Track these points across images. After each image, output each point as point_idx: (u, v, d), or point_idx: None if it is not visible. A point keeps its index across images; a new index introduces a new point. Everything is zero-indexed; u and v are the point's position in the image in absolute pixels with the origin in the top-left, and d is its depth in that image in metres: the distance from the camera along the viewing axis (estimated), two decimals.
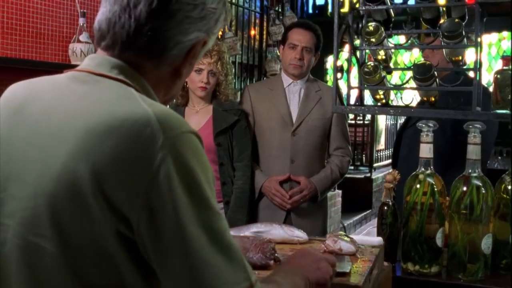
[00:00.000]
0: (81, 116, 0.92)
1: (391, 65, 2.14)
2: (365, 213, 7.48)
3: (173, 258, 0.88)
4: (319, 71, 8.37)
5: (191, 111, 2.88)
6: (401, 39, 2.17)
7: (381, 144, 8.48)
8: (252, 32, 5.09)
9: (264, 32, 5.12)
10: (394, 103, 2.28)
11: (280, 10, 5.20)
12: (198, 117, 2.85)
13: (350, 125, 8.17)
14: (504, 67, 1.90)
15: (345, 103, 2.05)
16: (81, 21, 2.90)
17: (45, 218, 0.91)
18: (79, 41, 2.83)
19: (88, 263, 0.91)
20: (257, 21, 5.16)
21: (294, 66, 2.97)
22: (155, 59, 1.01)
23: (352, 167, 8.04)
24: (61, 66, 2.86)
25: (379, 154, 8.31)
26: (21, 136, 0.97)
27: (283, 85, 3.04)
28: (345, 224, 6.65)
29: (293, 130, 2.96)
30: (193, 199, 0.89)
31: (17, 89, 1.06)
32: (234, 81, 3.46)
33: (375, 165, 8.03)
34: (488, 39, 9.09)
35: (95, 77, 0.99)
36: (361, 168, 8.20)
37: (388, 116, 8.46)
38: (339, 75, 2.06)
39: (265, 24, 5.15)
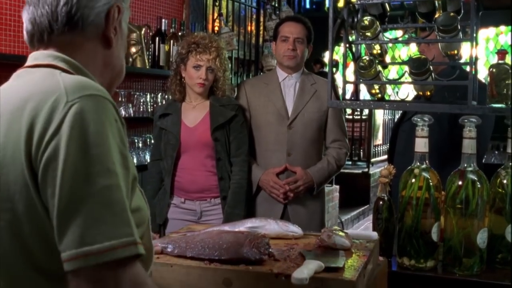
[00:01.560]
0: (12, 99, 1.04)
1: (388, 59, 2.13)
2: (362, 208, 7.49)
3: (59, 206, 0.95)
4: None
5: (188, 107, 2.88)
6: (398, 33, 2.16)
7: (379, 139, 8.47)
8: (249, 28, 5.08)
9: (261, 27, 5.11)
10: (392, 98, 2.27)
11: (276, 5, 5.19)
12: (195, 113, 2.85)
13: (348, 120, 8.17)
14: (500, 61, 1.89)
15: (340, 97, 2.04)
16: None
17: None
18: None
19: (23, 227, 1.00)
20: (254, 16, 5.15)
21: (288, 57, 2.98)
22: (79, 30, 1.13)
23: (349, 162, 8.05)
24: None
25: (376, 149, 8.31)
26: None
27: (278, 80, 3.05)
28: (343, 219, 6.65)
29: (289, 124, 2.96)
30: (86, 154, 0.96)
31: None
32: (231, 76, 3.46)
33: (372, 160, 8.03)
34: (486, 33, 9.09)
35: (30, 70, 1.12)
36: (359, 163, 8.21)
37: (385, 111, 8.46)
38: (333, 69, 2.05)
39: (261, 19, 5.13)
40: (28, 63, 1.15)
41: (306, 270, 1.34)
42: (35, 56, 1.14)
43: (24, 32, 1.17)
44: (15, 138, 0.99)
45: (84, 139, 0.96)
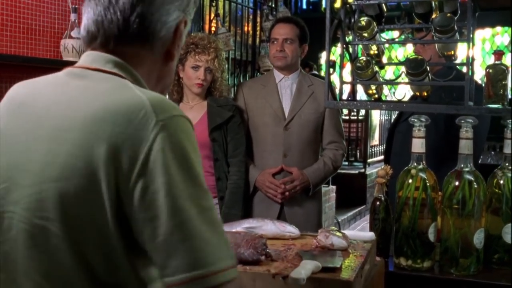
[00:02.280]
0: (80, 108, 0.98)
1: (385, 60, 2.13)
2: (359, 208, 7.49)
3: (165, 229, 0.92)
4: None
5: (185, 107, 2.88)
6: (395, 34, 2.17)
7: (375, 140, 8.48)
8: (246, 28, 5.07)
9: (258, 28, 5.11)
10: (389, 99, 2.28)
11: (273, 5, 5.19)
12: (193, 113, 2.85)
13: (344, 120, 8.17)
14: (496, 62, 1.90)
15: (337, 98, 2.04)
16: (72, 16, 2.88)
17: (50, 202, 0.96)
18: (70, 37, 2.82)
19: (88, 244, 0.96)
20: (251, 16, 5.15)
21: (278, 58, 3.01)
22: (148, 44, 1.08)
23: (346, 163, 8.04)
24: (53, 62, 2.85)
25: (373, 150, 8.32)
26: (24, 130, 1.03)
27: (275, 81, 3.06)
28: (340, 220, 6.65)
29: (286, 125, 2.96)
30: (185, 175, 0.94)
31: (19, 88, 1.13)
32: (228, 77, 3.45)
33: (369, 160, 8.03)
34: (482, 34, 9.11)
35: (90, 72, 1.05)
36: (355, 163, 8.21)
37: (382, 111, 8.46)
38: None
39: (258, 19, 5.13)
40: (85, 63, 1.08)
41: (304, 270, 1.34)
42: (94, 58, 1.07)
43: (83, 30, 1.10)
44: (89, 151, 0.94)
45: (181, 160, 0.94)
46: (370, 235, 1.76)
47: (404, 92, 2.13)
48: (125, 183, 0.92)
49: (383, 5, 2.01)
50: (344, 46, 2.03)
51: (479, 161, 3.03)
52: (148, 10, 1.05)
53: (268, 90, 3.04)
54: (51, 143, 0.98)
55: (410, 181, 1.88)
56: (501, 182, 1.92)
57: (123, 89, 1.00)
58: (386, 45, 2.18)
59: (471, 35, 1.86)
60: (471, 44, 1.86)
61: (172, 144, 0.94)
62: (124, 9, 1.04)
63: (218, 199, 2.84)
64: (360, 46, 2.07)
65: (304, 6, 9.85)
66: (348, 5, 2.03)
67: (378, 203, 1.99)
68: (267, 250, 1.52)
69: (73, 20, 2.87)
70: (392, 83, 2.09)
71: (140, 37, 1.07)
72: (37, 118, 1.02)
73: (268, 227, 1.76)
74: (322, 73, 8.13)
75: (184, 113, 1.02)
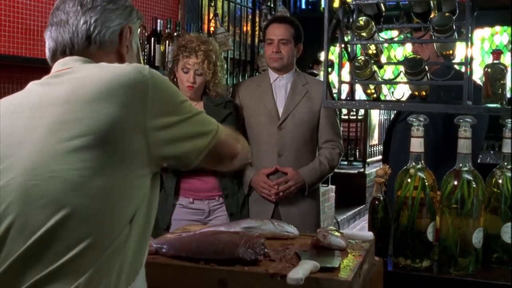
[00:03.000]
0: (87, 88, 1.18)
1: (384, 59, 2.13)
2: (358, 208, 7.49)
3: (178, 140, 1.24)
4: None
5: None
6: (394, 34, 2.16)
7: (375, 139, 8.48)
8: (244, 28, 5.07)
9: (256, 28, 5.11)
10: (388, 98, 2.27)
11: (272, 5, 5.19)
12: None
13: (344, 120, 8.18)
14: (495, 61, 1.89)
15: (336, 97, 2.04)
16: None
17: None
18: None
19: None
20: (250, 16, 5.15)
21: (274, 60, 3.00)
22: (98, 45, 1.31)
23: (345, 162, 8.05)
24: None
25: (372, 149, 8.32)
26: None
27: (270, 81, 3.05)
28: (339, 220, 6.65)
29: (279, 124, 2.96)
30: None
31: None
32: (226, 76, 3.42)
33: (368, 160, 8.03)
34: (481, 33, 9.11)
35: (65, 71, 1.25)
36: (355, 163, 8.21)
37: (381, 111, 8.46)
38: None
39: (257, 19, 5.13)
40: (56, 68, 1.29)
41: (302, 270, 1.34)
42: (64, 62, 1.29)
43: (47, 50, 1.34)
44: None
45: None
46: (369, 234, 1.76)
47: (403, 91, 2.13)
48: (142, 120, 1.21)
49: (382, 4, 2.01)
50: (343, 45, 2.03)
51: (478, 161, 3.02)
52: (91, 17, 1.30)
53: (263, 89, 3.04)
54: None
55: (409, 180, 1.88)
56: (500, 181, 1.92)
57: (110, 65, 1.26)
58: (386, 45, 2.18)
59: (470, 35, 1.85)
60: (469, 43, 1.85)
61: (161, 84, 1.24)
62: (73, 21, 1.30)
63: (223, 197, 2.86)
64: (359, 45, 2.07)
65: (303, 6, 9.83)
66: (346, 5, 2.03)
67: (376, 202, 1.99)
68: (265, 250, 1.52)
69: None
70: (390, 82, 2.09)
71: (89, 41, 1.30)
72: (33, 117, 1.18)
73: (266, 227, 1.75)
74: (322, 73, 8.13)
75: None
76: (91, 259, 1.11)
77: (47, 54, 1.34)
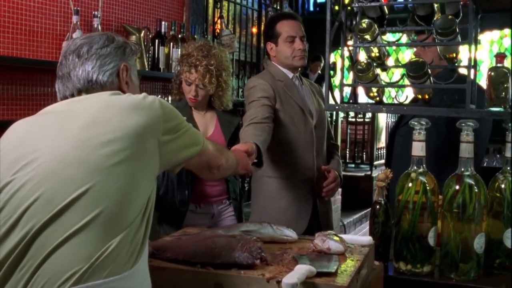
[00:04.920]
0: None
1: (392, 62, 2.12)
2: (365, 211, 7.45)
3: (180, 145, 1.49)
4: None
5: (198, 115, 2.83)
6: (403, 36, 2.15)
7: (382, 142, 8.44)
8: (250, 30, 5.07)
9: (262, 30, 5.11)
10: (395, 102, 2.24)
11: (278, 7, 5.18)
12: (205, 121, 2.83)
13: (351, 122, 8.17)
14: (498, 64, 1.87)
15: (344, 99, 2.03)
16: (74, 19, 2.88)
17: None
18: (72, 39, 2.81)
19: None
20: (256, 18, 5.15)
21: (300, 57, 2.84)
22: (100, 86, 1.49)
23: (352, 165, 8.02)
24: (55, 64, 2.83)
25: (379, 152, 8.29)
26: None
27: (290, 78, 2.89)
28: (345, 222, 6.62)
29: (315, 124, 2.84)
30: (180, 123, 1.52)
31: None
32: (232, 84, 3.35)
33: (375, 163, 7.99)
34: (490, 36, 9.05)
35: (88, 95, 1.48)
36: (362, 166, 8.18)
37: (388, 114, 8.42)
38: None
39: (263, 21, 5.13)
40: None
41: (297, 275, 1.32)
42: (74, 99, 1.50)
43: (58, 98, 1.52)
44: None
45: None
46: (368, 239, 1.75)
47: (409, 95, 2.11)
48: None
49: (385, 7, 2.00)
50: (345, 48, 2.02)
51: (484, 164, 3.00)
52: (89, 66, 1.48)
53: (289, 87, 2.85)
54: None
55: (410, 184, 1.86)
56: (502, 186, 1.90)
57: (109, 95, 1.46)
58: (393, 47, 2.16)
59: (473, 37, 1.83)
60: (472, 46, 1.83)
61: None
62: (74, 75, 1.48)
63: (229, 200, 2.87)
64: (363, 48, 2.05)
65: (311, 8, 9.82)
66: (349, 7, 2.01)
67: (378, 206, 1.97)
68: (263, 254, 1.50)
69: (74, 22, 2.87)
70: (393, 86, 2.08)
71: (91, 84, 1.48)
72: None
73: (265, 230, 1.74)
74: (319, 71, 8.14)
75: None
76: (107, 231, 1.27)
77: (59, 99, 1.53)
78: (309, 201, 2.85)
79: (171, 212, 2.75)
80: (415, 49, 2.87)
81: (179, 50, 3.49)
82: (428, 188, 1.85)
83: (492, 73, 1.86)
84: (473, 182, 1.82)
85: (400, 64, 2.03)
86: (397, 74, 7.16)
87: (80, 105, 1.42)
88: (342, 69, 2.05)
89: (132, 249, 1.29)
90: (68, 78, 1.49)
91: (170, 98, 3.11)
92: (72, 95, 1.49)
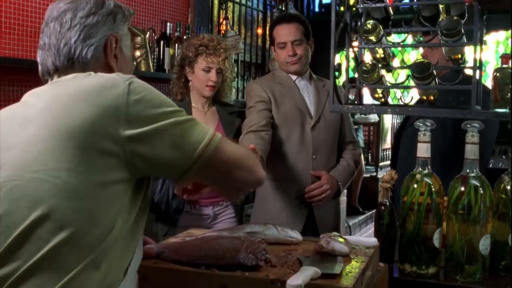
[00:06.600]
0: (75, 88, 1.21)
1: (397, 63, 2.12)
2: (370, 212, 7.43)
3: (164, 141, 1.19)
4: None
5: (199, 113, 2.83)
6: (409, 37, 2.15)
7: (387, 143, 8.42)
8: (255, 31, 5.07)
9: (267, 31, 5.10)
10: (400, 103, 2.23)
11: (283, 8, 5.18)
12: (207, 120, 2.83)
13: (356, 123, 8.14)
14: (503, 65, 1.87)
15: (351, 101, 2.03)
16: None
17: None
18: (57, 2, 2.81)
19: None
20: (261, 19, 5.15)
21: (293, 63, 2.84)
22: (82, 65, 1.30)
23: None
24: None
25: (385, 153, 8.27)
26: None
27: (292, 80, 2.90)
28: (351, 224, 6.61)
29: (313, 125, 2.83)
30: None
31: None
32: (237, 79, 3.37)
33: (381, 164, 7.98)
34: (496, 37, 9.02)
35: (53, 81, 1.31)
36: (367, 167, 8.15)
37: (394, 115, 8.41)
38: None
39: (268, 22, 5.13)
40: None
41: (302, 276, 1.32)
42: (55, 81, 1.31)
43: (40, 72, 1.35)
44: None
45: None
46: (373, 241, 1.74)
47: (414, 96, 2.11)
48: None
49: (390, 8, 1.99)
50: (350, 49, 2.01)
51: (490, 165, 2.99)
52: (70, 38, 1.29)
53: (288, 88, 2.87)
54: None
55: (415, 186, 1.86)
56: (508, 187, 1.89)
57: (89, 75, 1.25)
58: (399, 48, 2.16)
59: (478, 38, 1.83)
60: (478, 47, 1.83)
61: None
62: (55, 44, 1.30)
63: (227, 201, 2.86)
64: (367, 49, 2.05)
65: (317, 9, 9.80)
66: (354, 9, 2.01)
67: (382, 208, 1.97)
68: (267, 256, 1.50)
69: None
70: (397, 87, 2.07)
71: (72, 62, 1.30)
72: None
73: (269, 232, 1.74)
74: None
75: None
76: (69, 260, 1.11)
77: (40, 72, 1.36)
78: (304, 205, 2.82)
79: (165, 217, 2.76)
80: (421, 50, 2.86)
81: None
82: (433, 189, 1.84)
83: (498, 74, 1.86)
84: (478, 184, 1.81)
85: (405, 65, 2.02)
86: (402, 75, 7.14)
87: (39, 101, 1.23)
88: (347, 70, 2.05)
89: None
90: (48, 50, 1.30)
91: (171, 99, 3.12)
92: (49, 74, 1.32)
